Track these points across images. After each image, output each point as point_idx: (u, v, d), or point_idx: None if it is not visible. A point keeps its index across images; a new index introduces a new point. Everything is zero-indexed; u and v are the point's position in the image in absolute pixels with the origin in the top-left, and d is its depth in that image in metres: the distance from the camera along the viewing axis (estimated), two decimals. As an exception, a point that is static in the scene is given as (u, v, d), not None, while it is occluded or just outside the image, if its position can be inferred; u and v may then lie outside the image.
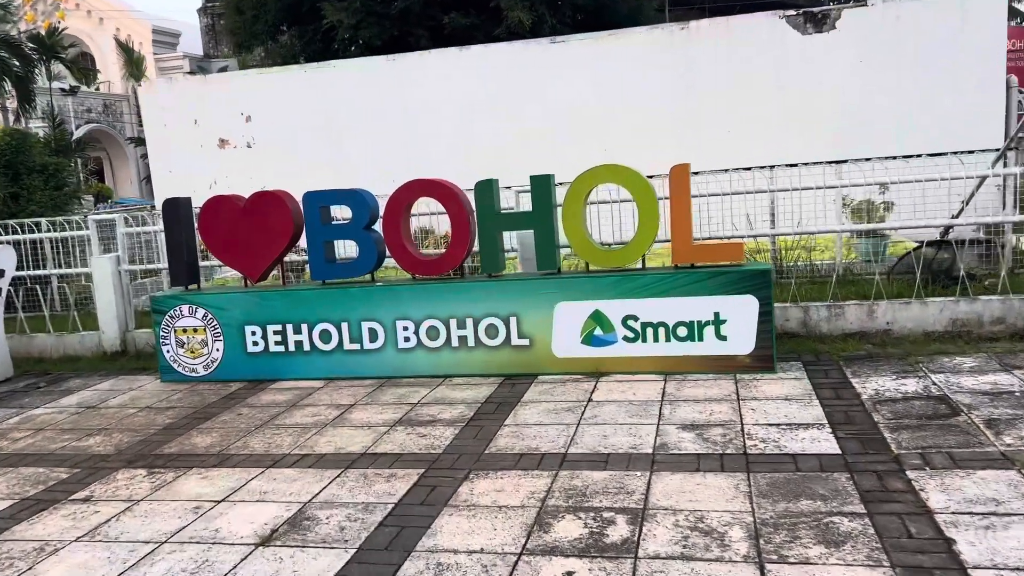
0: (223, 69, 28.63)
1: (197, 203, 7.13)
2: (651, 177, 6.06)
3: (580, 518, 3.68)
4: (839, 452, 4.19)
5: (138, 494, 4.42)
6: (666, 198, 6.01)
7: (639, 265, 6.08)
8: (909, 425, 4.47)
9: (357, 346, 6.41)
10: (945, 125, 9.86)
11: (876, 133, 10.11)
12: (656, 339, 5.85)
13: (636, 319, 5.87)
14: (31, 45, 18.89)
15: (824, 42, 10.65)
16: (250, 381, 6.63)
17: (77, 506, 4.33)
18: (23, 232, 8.77)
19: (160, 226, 7.52)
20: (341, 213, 6.87)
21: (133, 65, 34.04)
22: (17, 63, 17.23)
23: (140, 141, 23.63)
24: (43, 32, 20.02)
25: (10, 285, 8.07)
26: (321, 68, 12.51)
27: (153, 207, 12.60)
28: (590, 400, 5.39)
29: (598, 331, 5.95)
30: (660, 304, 5.81)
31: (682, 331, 5.80)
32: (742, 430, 4.62)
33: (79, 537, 3.92)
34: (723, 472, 4.07)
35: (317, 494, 4.21)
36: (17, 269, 8.30)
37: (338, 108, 12.18)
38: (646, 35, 11.24)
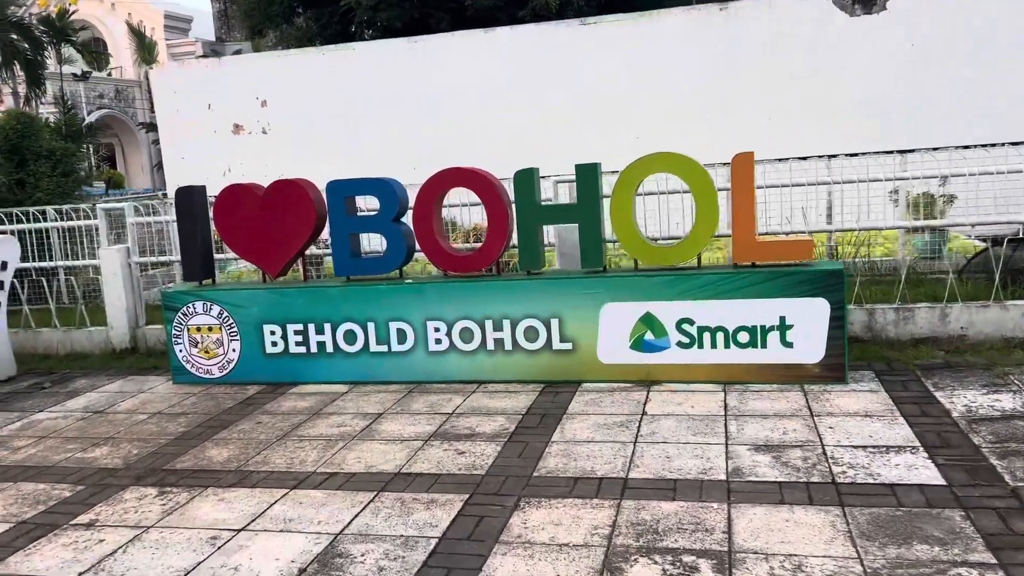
0: (236, 53, 28.06)
1: (211, 191, 6.64)
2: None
3: (656, 562, 3.18)
4: (944, 483, 3.67)
5: (148, 519, 3.95)
6: (722, 189, 5.50)
7: (694, 263, 5.56)
8: (1018, 451, 3.94)
9: (384, 348, 5.92)
10: (1003, 113, 9.26)
11: (926, 121, 9.51)
12: (714, 345, 5.33)
13: (691, 323, 5.35)
14: (41, 28, 18.38)
15: (872, 24, 10.04)
16: (269, 384, 6.15)
17: (80, 532, 3.86)
18: (29, 221, 8.32)
19: (172, 215, 7.03)
20: (367, 204, 6.37)
21: (145, 50, 33.57)
22: (27, 46, 16.76)
23: (152, 127, 23.18)
24: (54, 15, 19.54)
25: (15, 277, 7.62)
26: (340, 50, 11.99)
27: (165, 194, 12.13)
28: (644, 413, 4.89)
29: (649, 335, 5.44)
30: (719, 307, 5.29)
31: (743, 337, 5.27)
32: (824, 453, 4.10)
33: (81, 573, 3.45)
34: (813, 505, 3.56)
35: (349, 524, 3.73)
36: (22, 260, 7.85)
37: (357, 93, 11.67)
38: (683, 16, 10.66)
